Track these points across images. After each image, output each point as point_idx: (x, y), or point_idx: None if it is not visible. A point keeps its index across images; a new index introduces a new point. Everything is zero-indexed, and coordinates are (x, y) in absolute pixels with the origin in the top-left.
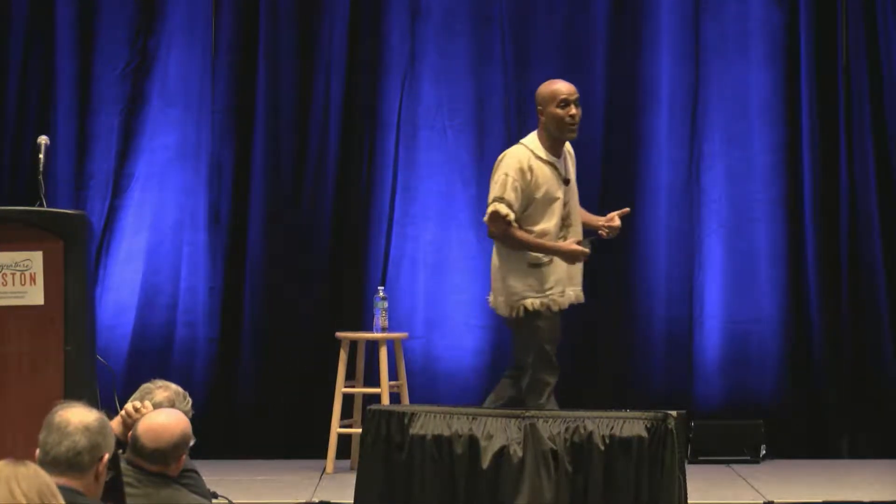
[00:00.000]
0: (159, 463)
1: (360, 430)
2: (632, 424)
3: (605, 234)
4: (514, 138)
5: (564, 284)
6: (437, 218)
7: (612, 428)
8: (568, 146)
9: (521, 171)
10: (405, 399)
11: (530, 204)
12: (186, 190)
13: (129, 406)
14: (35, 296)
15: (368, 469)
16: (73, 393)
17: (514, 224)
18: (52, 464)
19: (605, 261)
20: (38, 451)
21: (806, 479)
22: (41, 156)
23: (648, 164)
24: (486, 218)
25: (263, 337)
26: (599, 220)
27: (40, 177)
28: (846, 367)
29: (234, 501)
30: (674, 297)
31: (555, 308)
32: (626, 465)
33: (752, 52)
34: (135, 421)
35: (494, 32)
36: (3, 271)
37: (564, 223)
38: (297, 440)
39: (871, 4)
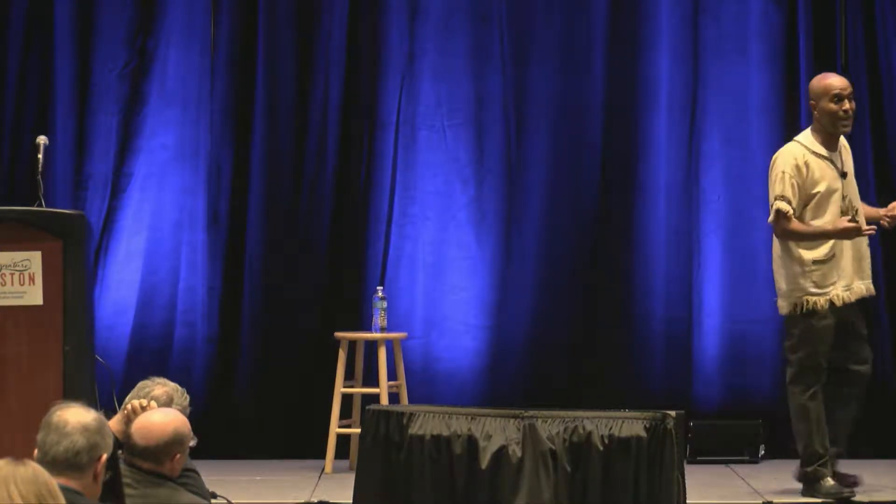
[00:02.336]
0: (151, 460)
1: (358, 430)
2: (630, 424)
3: (886, 224)
4: (512, 138)
5: (850, 279)
6: (436, 218)
7: (611, 428)
8: (843, 140)
9: (797, 167)
10: (404, 399)
11: (810, 199)
12: (185, 190)
13: (134, 403)
14: (34, 296)
15: (367, 469)
16: (72, 393)
17: (794, 219)
18: (51, 464)
19: (603, 261)
20: (36, 451)
21: None
22: (40, 156)
23: (647, 165)
24: (770, 219)
25: (262, 337)
26: (880, 211)
27: (39, 177)
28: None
29: (233, 501)
30: (672, 297)
31: (838, 303)
32: (625, 465)
33: (751, 52)
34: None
35: (493, 32)
36: (2, 271)
37: (844, 216)
38: (296, 440)
39: (871, 5)
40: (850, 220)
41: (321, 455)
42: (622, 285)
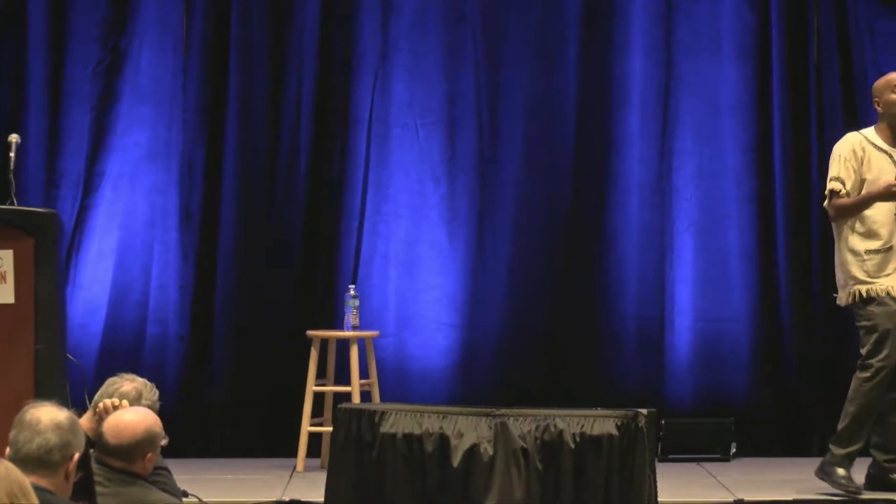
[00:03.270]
0: (122, 459)
1: (330, 429)
2: (602, 423)
3: None
4: (484, 136)
5: None
6: (408, 216)
7: (583, 426)
8: None
9: (853, 151)
10: (376, 397)
11: (863, 185)
12: (157, 188)
13: (106, 402)
14: (5, 294)
15: (339, 467)
16: (44, 391)
17: (843, 197)
18: (23, 462)
19: (575, 260)
20: (7, 448)
21: (776, 478)
22: (12, 154)
23: (620, 163)
24: (826, 203)
25: (234, 335)
26: None
27: (11, 175)
28: (817, 364)
29: (204, 500)
30: (644, 296)
31: (894, 294)
32: (597, 463)
33: (723, 50)
34: None
35: (466, 31)
36: None
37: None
38: (268, 438)
39: (843, 3)
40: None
41: (293, 453)
42: (594, 284)
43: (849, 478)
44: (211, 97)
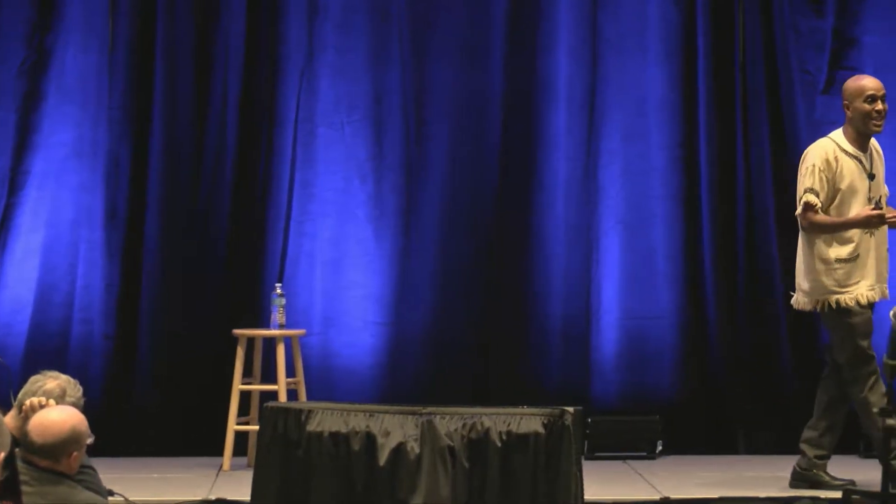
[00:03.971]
0: (48, 458)
1: (257, 428)
2: (529, 421)
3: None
4: (411, 134)
5: (873, 280)
6: (334, 215)
7: (510, 424)
8: (876, 145)
9: (827, 161)
10: (302, 396)
11: (836, 195)
12: (83, 187)
13: (33, 401)
14: None
15: (265, 466)
16: None
17: (819, 212)
18: None
19: (502, 258)
20: None
21: (702, 475)
22: None
23: (546, 162)
24: (798, 211)
25: (160, 334)
26: None
27: None
28: (743, 362)
29: (130, 499)
30: (571, 294)
31: (863, 301)
32: (523, 461)
33: (649, 49)
34: None
35: (392, 29)
36: None
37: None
38: (195, 437)
39: (768, 2)
40: (873, 208)
41: (219, 452)
42: (521, 281)
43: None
44: (137, 96)
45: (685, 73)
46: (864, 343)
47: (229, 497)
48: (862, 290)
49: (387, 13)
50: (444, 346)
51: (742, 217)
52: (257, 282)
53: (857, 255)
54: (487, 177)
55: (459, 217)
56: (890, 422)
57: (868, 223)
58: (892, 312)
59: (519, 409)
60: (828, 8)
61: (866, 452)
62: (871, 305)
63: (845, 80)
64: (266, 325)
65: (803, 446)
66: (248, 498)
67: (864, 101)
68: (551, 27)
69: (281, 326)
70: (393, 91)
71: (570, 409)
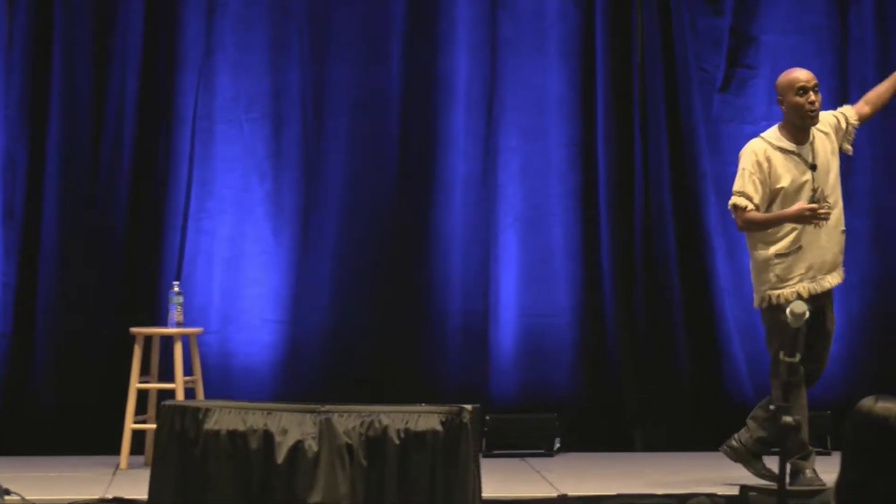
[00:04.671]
0: None
1: (154, 426)
2: (427, 419)
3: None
4: (310, 131)
5: (817, 271)
6: (233, 212)
7: (407, 422)
8: (823, 123)
9: (758, 163)
10: (200, 394)
11: (776, 195)
12: None
13: None
14: None
15: (163, 465)
16: None
17: (751, 211)
18: None
19: (400, 256)
20: None
21: (600, 472)
22: None
23: (445, 159)
24: (732, 212)
25: (58, 332)
26: None
27: None
28: (640, 360)
29: (27, 498)
30: (469, 291)
31: (805, 295)
32: (421, 459)
33: (548, 47)
34: None
35: (291, 26)
36: None
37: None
38: (92, 436)
39: (666, 2)
40: (808, 203)
41: (117, 451)
42: (419, 279)
43: (815, 475)
44: (33, 94)
45: (583, 71)
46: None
47: (126, 496)
48: (804, 283)
49: (286, 10)
50: (343, 345)
51: (640, 214)
52: (155, 280)
53: (799, 248)
54: (386, 175)
55: (358, 215)
56: (787, 419)
57: (800, 218)
58: (787, 310)
59: (417, 407)
60: (725, 6)
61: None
62: (815, 297)
63: (742, 78)
64: (164, 324)
65: (749, 422)
66: (145, 496)
67: (797, 94)
68: (450, 25)
69: (178, 324)
70: (292, 88)
71: (468, 406)
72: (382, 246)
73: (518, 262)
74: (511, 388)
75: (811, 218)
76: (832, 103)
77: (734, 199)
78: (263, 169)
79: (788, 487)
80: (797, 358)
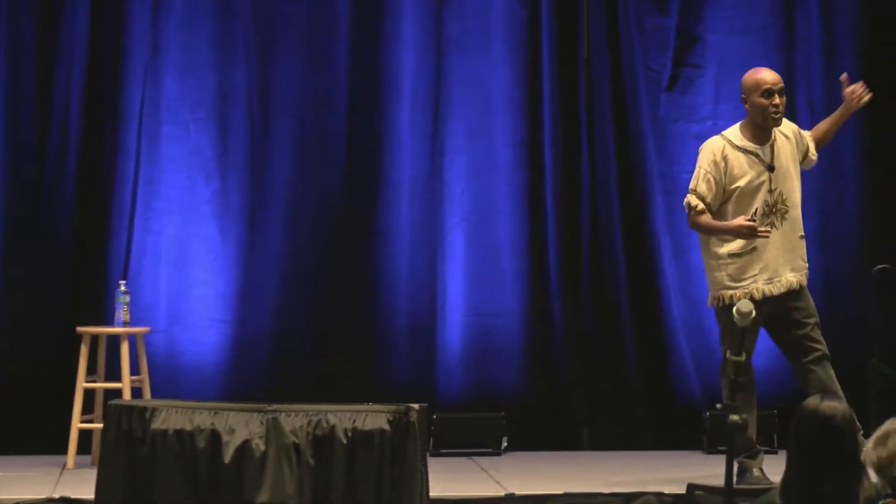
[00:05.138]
0: None
1: (101, 426)
2: (374, 418)
3: (855, 103)
4: (256, 131)
5: (773, 273)
6: (179, 212)
7: (355, 421)
8: (787, 128)
9: (714, 162)
10: (147, 394)
11: (731, 194)
12: None
13: None
14: None
15: (110, 464)
16: None
17: (702, 212)
18: None
19: (347, 255)
20: None
21: (547, 471)
22: None
23: (391, 158)
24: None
25: (4, 332)
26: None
27: None
28: (587, 358)
29: None
30: (416, 291)
31: (758, 296)
32: (369, 458)
33: (494, 45)
34: None
35: (236, 26)
36: None
37: (773, 209)
38: (39, 436)
39: (613, 1)
40: (748, 220)
41: (64, 451)
42: (366, 279)
43: (761, 475)
44: None
45: (530, 70)
46: (745, 344)
47: (73, 495)
48: (758, 284)
49: (230, 10)
50: (290, 344)
51: (587, 213)
52: (101, 279)
53: (754, 248)
54: (332, 174)
55: (304, 215)
56: (733, 418)
57: (738, 233)
58: (734, 309)
59: (364, 407)
60: (671, 6)
61: (710, 448)
62: (771, 299)
63: (689, 78)
64: (110, 323)
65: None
66: (92, 496)
67: (762, 96)
68: (396, 24)
69: (125, 324)
70: (238, 88)
71: (416, 405)
72: (329, 246)
73: (465, 262)
74: (458, 387)
75: (749, 235)
76: None
77: (687, 198)
78: (210, 169)
79: (735, 486)
80: (743, 357)
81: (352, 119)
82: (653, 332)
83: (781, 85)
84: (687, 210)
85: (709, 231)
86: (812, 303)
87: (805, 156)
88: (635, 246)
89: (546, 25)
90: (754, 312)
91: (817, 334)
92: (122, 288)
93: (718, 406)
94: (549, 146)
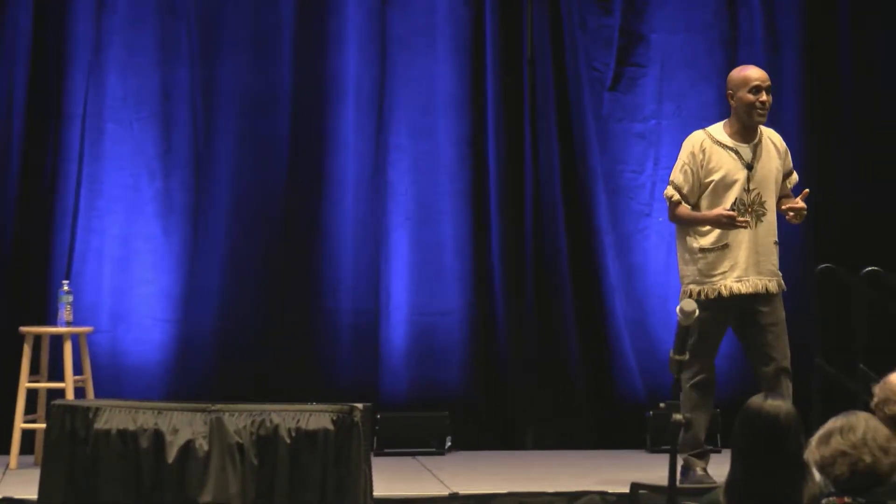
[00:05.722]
0: None
1: (44, 426)
2: (318, 417)
3: (790, 217)
4: (200, 131)
5: (745, 271)
6: (123, 212)
7: (299, 421)
8: (774, 137)
9: (692, 153)
10: (90, 394)
11: (707, 187)
12: None
13: None
14: None
15: (53, 464)
16: None
17: (678, 203)
18: None
19: (291, 254)
20: None
21: (491, 471)
22: None
23: (335, 157)
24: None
25: None
26: (784, 206)
27: None
28: (531, 358)
29: None
30: (360, 290)
31: (725, 293)
32: (313, 458)
33: (438, 44)
34: None
35: (181, 25)
36: None
37: (749, 209)
38: None
39: (556, 1)
40: (728, 210)
41: (6, 451)
42: (310, 277)
43: (705, 474)
44: None
45: (474, 69)
46: (710, 340)
47: (16, 496)
48: (728, 281)
49: (174, 10)
50: (233, 343)
51: (530, 212)
52: (44, 279)
53: (725, 245)
54: (276, 173)
55: (248, 214)
56: (676, 416)
57: (717, 223)
58: (677, 308)
59: (308, 406)
60: (614, 5)
61: (653, 447)
62: (740, 298)
63: (632, 77)
64: (53, 323)
65: None
66: (35, 496)
67: (749, 92)
68: (340, 23)
69: (68, 324)
70: (181, 87)
71: (360, 405)
72: (273, 245)
73: (408, 261)
74: (402, 386)
75: (728, 225)
76: (722, 102)
77: (666, 189)
78: (153, 168)
79: (679, 485)
80: (686, 356)
81: (296, 118)
82: (596, 330)
83: (769, 83)
84: (667, 203)
85: (688, 222)
86: (781, 312)
87: (787, 177)
88: (578, 245)
89: (490, 25)
90: (697, 312)
91: (778, 343)
92: (66, 288)
93: (662, 405)
94: (492, 145)
